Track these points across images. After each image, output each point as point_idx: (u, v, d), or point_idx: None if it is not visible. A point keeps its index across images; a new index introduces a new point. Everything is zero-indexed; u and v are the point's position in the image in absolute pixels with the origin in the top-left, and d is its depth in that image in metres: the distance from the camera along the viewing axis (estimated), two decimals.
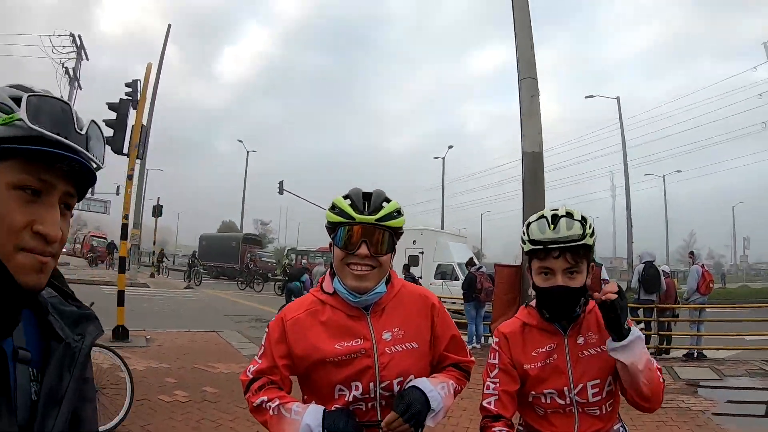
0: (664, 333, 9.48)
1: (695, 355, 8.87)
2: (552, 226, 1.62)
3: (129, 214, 8.69)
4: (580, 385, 1.63)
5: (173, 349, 7.69)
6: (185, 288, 21.08)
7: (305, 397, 1.64)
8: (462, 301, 10.27)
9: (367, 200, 1.58)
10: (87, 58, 21.21)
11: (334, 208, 1.60)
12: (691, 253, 10.80)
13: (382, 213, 1.55)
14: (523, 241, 1.69)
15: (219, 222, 72.19)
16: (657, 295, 9.44)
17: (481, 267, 10.49)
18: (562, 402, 1.65)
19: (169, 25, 22.80)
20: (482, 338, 10.02)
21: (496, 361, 1.73)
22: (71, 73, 20.36)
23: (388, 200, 1.60)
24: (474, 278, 9.90)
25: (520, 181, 8.22)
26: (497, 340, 1.77)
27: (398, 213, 1.60)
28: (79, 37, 20.67)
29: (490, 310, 9.52)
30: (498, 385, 1.69)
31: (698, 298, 9.58)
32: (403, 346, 1.59)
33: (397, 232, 1.62)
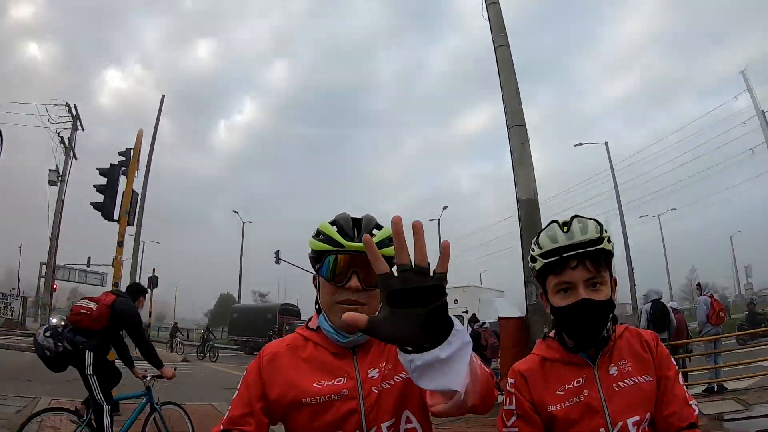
0: (680, 370, 9.09)
1: (716, 389, 8.55)
2: (565, 228, 1.43)
3: (120, 281, 8.47)
4: (620, 424, 1.36)
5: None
6: (182, 361, 20.42)
7: None
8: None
9: (356, 226, 1.39)
10: (82, 128, 21.41)
11: (319, 235, 1.40)
12: (698, 284, 10.52)
13: (374, 240, 1.31)
14: (533, 259, 1.47)
15: (217, 295, 71.13)
16: (668, 333, 9.11)
17: (484, 323, 10.21)
18: None
19: (163, 96, 23.12)
20: None
21: (513, 407, 1.45)
22: (67, 142, 20.51)
23: (379, 226, 1.42)
24: (478, 335, 9.60)
25: (518, 236, 8.11)
26: (513, 381, 1.49)
27: (391, 240, 1.34)
28: (75, 107, 20.97)
29: (498, 367, 9.18)
30: None
31: (711, 329, 9.28)
32: (393, 380, 1.34)
33: (390, 262, 1.41)
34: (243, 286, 41.74)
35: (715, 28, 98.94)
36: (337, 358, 1.36)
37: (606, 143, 27.99)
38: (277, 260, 30.24)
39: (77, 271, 34.69)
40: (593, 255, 1.38)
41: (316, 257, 1.40)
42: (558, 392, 1.42)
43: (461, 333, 0.90)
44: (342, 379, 1.33)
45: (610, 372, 1.42)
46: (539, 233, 1.48)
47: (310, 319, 1.49)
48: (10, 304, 29.66)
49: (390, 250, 1.35)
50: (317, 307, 1.46)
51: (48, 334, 4.35)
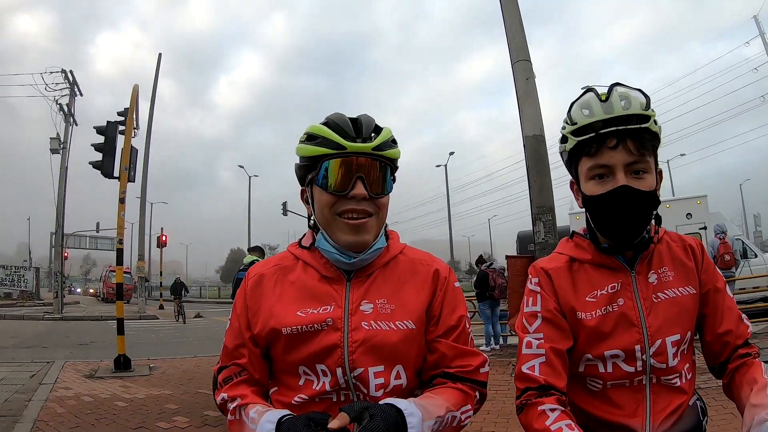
0: None
1: None
2: (603, 97, 1.16)
3: (123, 238, 8.41)
4: (658, 342, 1.16)
5: (176, 376, 7.35)
6: (195, 317, 20.73)
7: (270, 382, 1.27)
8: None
9: (355, 126, 1.19)
10: (81, 94, 21.00)
11: (312, 138, 1.19)
12: (717, 225, 10.12)
13: (378, 140, 1.17)
14: (564, 139, 1.22)
15: (227, 251, 72.61)
16: None
17: (492, 263, 10.09)
18: (631, 369, 1.17)
19: (160, 54, 22.77)
20: (500, 338, 9.60)
21: (538, 308, 1.22)
22: (66, 109, 20.21)
23: (379, 127, 1.22)
24: (486, 275, 9.48)
25: (525, 182, 7.86)
26: (536, 279, 1.26)
27: (394, 142, 1.22)
28: (71, 72, 20.48)
29: (506, 309, 9.15)
30: (543, 340, 1.19)
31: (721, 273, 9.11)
32: (390, 325, 1.16)
33: (394, 167, 1.23)
34: (252, 241, 41.84)
35: None
36: (327, 282, 1.20)
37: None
38: (285, 212, 30.27)
39: (87, 238, 35.03)
40: (637, 134, 1.13)
41: (309, 165, 1.20)
42: (588, 298, 1.21)
43: None
44: (329, 307, 1.17)
45: (650, 280, 1.21)
46: (571, 105, 1.22)
47: (303, 236, 1.32)
48: (23, 276, 30.17)
49: (394, 153, 1.20)
50: (311, 224, 1.28)
51: None
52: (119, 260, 8.40)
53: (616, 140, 1.13)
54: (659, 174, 1.21)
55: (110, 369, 7.59)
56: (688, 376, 1.20)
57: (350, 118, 1.21)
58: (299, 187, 1.28)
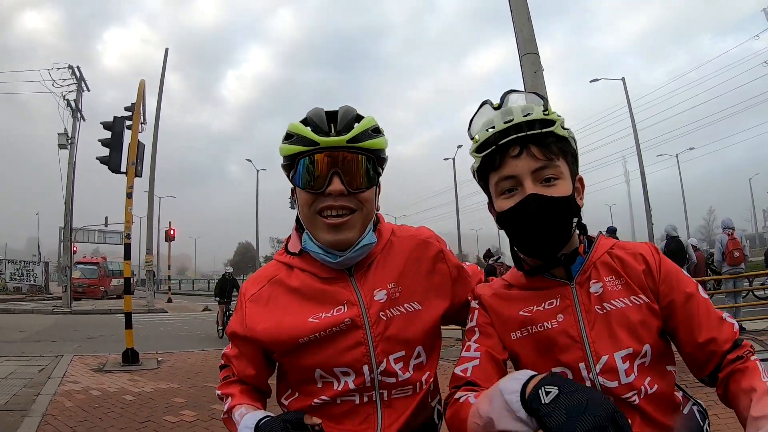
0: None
1: None
2: (496, 106, 1.11)
3: (130, 233, 8.44)
4: (604, 359, 1.05)
5: (184, 370, 7.40)
6: (203, 310, 20.85)
7: (280, 386, 1.29)
8: None
9: (332, 121, 1.17)
10: (88, 89, 21.09)
11: (289, 137, 1.17)
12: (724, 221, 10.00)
13: (354, 132, 1.14)
14: (474, 158, 1.14)
15: (236, 244, 72.95)
16: (687, 269, 8.91)
17: (499, 258, 10.09)
18: None
19: (167, 49, 22.74)
20: None
21: (474, 324, 1.19)
22: (73, 104, 20.31)
23: (360, 117, 1.19)
24: (493, 270, 9.48)
25: None
26: (476, 301, 1.23)
27: (377, 131, 1.18)
28: (78, 68, 20.54)
29: None
30: (480, 346, 1.15)
31: (729, 269, 9.02)
32: (403, 308, 1.17)
33: (379, 158, 1.20)
34: (260, 234, 42.11)
35: None
36: (329, 284, 1.17)
37: (623, 79, 26.94)
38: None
39: (96, 232, 35.21)
40: (541, 139, 1.05)
41: (289, 163, 1.18)
42: (523, 312, 1.15)
43: None
44: (342, 306, 1.15)
45: (592, 291, 1.11)
46: (470, 121, 1.16)
47: (288, 239, 1.29)
48: (32, 270, 30.40)
49: (377, 142, 1.16)
50: (296, 226, 1.27)
51: None
52: (127, 254, 8.44)
53: (518, 148, 1.06)
54: (580, 181, 1.14)
55: (118, 363, 7.65)
56: (650, 390, 1.06)
57: (327, 112, 1.19)
58: None
